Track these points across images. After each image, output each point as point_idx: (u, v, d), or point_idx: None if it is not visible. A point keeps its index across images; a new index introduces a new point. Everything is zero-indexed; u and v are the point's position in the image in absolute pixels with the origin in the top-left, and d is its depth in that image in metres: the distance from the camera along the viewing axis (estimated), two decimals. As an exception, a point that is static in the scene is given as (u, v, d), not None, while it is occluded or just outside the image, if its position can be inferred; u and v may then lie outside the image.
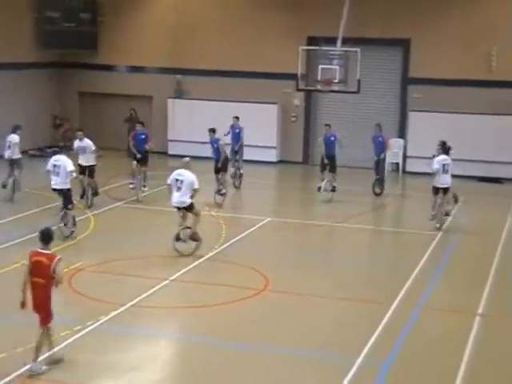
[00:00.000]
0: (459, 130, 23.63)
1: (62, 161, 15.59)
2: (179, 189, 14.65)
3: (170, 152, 26.42)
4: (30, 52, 25.97)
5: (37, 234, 10.13)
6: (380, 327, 11.39)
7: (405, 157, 24.38)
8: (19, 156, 19.51)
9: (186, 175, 14.72)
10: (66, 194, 15.66)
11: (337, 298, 12.80)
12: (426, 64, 24.20)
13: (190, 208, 14.79)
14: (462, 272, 14.63)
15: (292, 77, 22.83)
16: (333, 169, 20.29)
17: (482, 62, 23.87)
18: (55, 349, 9.90)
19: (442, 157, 17.54)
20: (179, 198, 14.69)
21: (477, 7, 23.85)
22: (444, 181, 17.43)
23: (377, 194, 20.80)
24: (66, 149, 17.61)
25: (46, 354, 9.82)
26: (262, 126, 25.07)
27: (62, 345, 10.34)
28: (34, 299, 9.68)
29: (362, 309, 12.40)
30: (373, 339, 10.92)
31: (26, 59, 25.74)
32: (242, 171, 21.54)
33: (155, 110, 26.92)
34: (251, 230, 16.81)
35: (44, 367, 9.69)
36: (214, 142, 19.52)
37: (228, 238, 16.10)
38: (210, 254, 14.90)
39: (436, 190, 17.52)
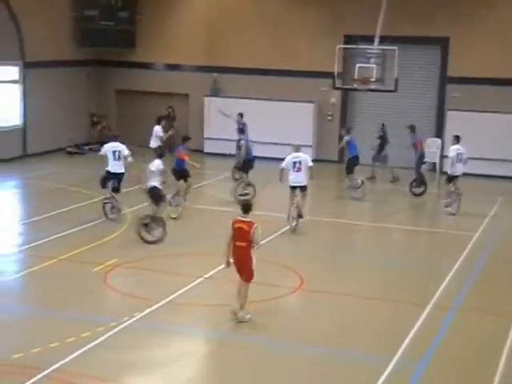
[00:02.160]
0: (498, 130, 23.36)
1: (122, 147, 17.09)
2: (299, 169, 16.48)
3: (205, 150, 26.51)
4: (69, 50, 26.25)
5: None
6: (414, 329, 11.30)
7: (442, 156, 24.10)
8: (155, 145, 20.66)
9: (302, 156, 16.66)
10: (122, 177, 17.04)
11: (371, 298, 12.73)
12: (464, 63, 23.89)
13: (304, 188, 16.53)
14: (498, 274, 14.43)
15: (328, 75, 22.74)
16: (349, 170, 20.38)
17: (522, 60, 23.50)
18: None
19: (456, 146, 18.57)
20: (299, 177, 16.47)
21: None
22: (459, 169, 18.55)
23: (415, 195, 20.66)
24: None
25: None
26: (297, 125, 25.01)
27: (98, 341, 10.47)
28: (236, 261, 11.17)
29: (397, 309, 12.32)
30: (407, 341, 10.84)
31: (65, 57, 26.04)
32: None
33: (192, 107, 27.04)
34: (286, 228, 16.79)
35: (248, 316, 11.20)
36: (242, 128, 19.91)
37: (263, 236, 16.06)
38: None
39: (451, 179, 18.62)
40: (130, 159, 17.03)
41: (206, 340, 11.21)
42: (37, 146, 24.97)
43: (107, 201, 17.05)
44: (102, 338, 10.56)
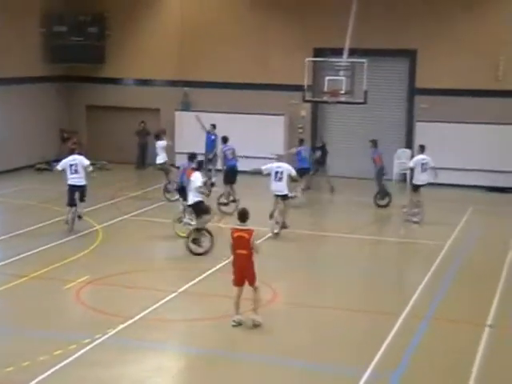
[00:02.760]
0: (467, 140, 23.66)
1: (79, 159, 17.30)
2: (280, 179, 17.10)
3: (177, 164, 26.40)
4: (39, 66, 26.10)
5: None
6: (388, 339, 11.34)
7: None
8: (162, 161, 20.89)
9: (284, 166, 17.26)
10: (83, 189, 17.20)
11: (344, 310, 12.77)
12: (432, 74, 24.20)
13: (285, 197, 17.16)
14: (470, 282, 14.56)
15: (299, 88, 22.87)
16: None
17: (488, 71, 23.84)
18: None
19: (420, 156, 19.09)
20: (279, 187, 17.11)
21: (483, 17, 23.85)
22: (423, 178, 18.92)
23: (379, 206, 20.89)
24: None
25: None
26: (268, 138, 25.08)
27: (71, 358, 10.35)
28: (239, 268, 11.57)
29: (370, 320, 12.36)
30: (381, 351, 10.86)
31: (35, 73, 25.88)
32: (214, 180, 21.58)
33: (163, 122, 26.98)
34: (258, 241, 16.73)
35: (260, 320, 11.56)
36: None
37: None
38: (218, 266, 14.87)
39: (416, 188, 18.95)
40: (90, 168, 17.41)
41: (181, 356, 11.13)
42: (6, 163, 24.68)
43: (70, 215, 17.17)
44: (75, 356, 10.44)
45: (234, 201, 19.41)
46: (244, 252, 11.54)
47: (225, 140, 20.45)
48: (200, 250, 15.59)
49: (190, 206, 15.78)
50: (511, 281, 14.52)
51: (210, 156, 21.73)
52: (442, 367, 10.55)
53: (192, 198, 15.61)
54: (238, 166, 19.89)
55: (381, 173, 20.99)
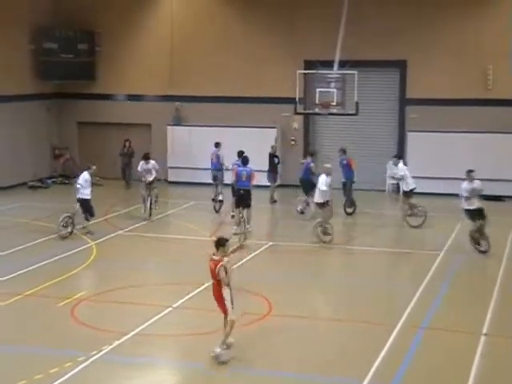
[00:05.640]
0: (458, 149, 23.73)
1: (79, 176, 18.71)
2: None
3: (170, 179, 26.44)
4: (29, 83, 26.08)
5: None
6: (384, 349, 11.32)
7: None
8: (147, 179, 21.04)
9: (320, 179, 18.39)
10: (84, 202, 18.55)
11: (340, 321, 12.75)
12: (422, 84, 24.32)
13: (322, 205, 18.30)
14: (465, 292, 14.57)
15: (290, 101, 22.94)
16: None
17: (478, 80, 23.98)
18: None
19: (400, 165, 20.29)
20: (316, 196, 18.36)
21: (472, 27, 24.01)
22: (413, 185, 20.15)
23: (349, 214, 21.17)
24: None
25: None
26: (261, 151, 25.07)
27: (66, 376, 10.29)
28: (214, 298, 11.11)
29: (366, 331, 12.34)
30: (377, 362, 10.85)
31: (25, 91, 25.86)
32: (221, 198, 21.50)
33: (154, 137, 27.01)
34: (253, 254, 16.77)
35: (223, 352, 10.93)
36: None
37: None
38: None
39: (409, 194, 20.06)
40: (77, 186, 18.63)
41: (178, 371, 11.08)
42: (-2, 181, 24.67)
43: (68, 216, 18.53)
44: (70, 374, 10.38)
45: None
46: (214, 282, 10.98)
47: (238, 155, 20.42)
48: (482, 249, 17.14)
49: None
50: (506, 289, 14.54)
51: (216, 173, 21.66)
52: (439, 376, 10.53)
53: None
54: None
55: (349, 180, 21.17)
